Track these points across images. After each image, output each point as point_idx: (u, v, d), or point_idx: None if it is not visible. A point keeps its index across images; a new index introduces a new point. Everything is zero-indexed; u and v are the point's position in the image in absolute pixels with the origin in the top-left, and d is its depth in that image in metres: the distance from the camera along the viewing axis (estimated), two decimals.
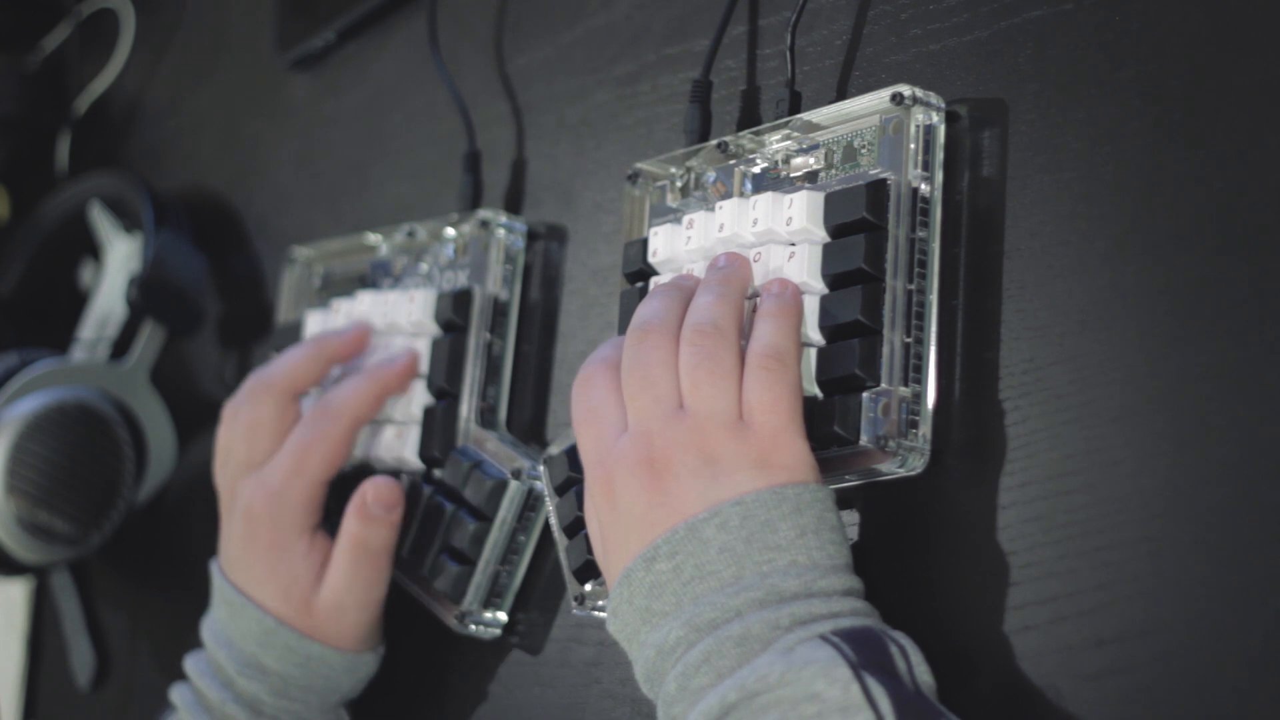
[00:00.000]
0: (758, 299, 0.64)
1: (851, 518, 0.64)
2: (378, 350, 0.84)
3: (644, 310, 0.63)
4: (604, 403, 0.62)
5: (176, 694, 0.82)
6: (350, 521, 0.79)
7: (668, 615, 0.58)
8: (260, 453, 0.81)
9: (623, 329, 0.69)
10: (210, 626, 0.82)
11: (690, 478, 0.59)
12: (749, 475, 0.58)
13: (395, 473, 0.82)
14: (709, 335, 0.60)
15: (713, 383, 0.59)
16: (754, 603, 0.56)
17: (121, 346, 1.08)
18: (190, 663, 0.82)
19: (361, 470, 0.83)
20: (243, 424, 0.82)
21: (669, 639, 0.57)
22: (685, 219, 0.68)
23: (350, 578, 0.78)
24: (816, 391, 0.62)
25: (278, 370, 0.82)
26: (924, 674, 0.55)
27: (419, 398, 0.81)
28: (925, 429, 0.60)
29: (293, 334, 0.91)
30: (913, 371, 0.60)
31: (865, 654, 0.54)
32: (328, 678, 0.80)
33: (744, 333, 0.62)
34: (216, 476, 0.84)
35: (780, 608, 0.56)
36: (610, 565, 0.61)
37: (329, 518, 0.81)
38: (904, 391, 0.60)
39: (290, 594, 0.79)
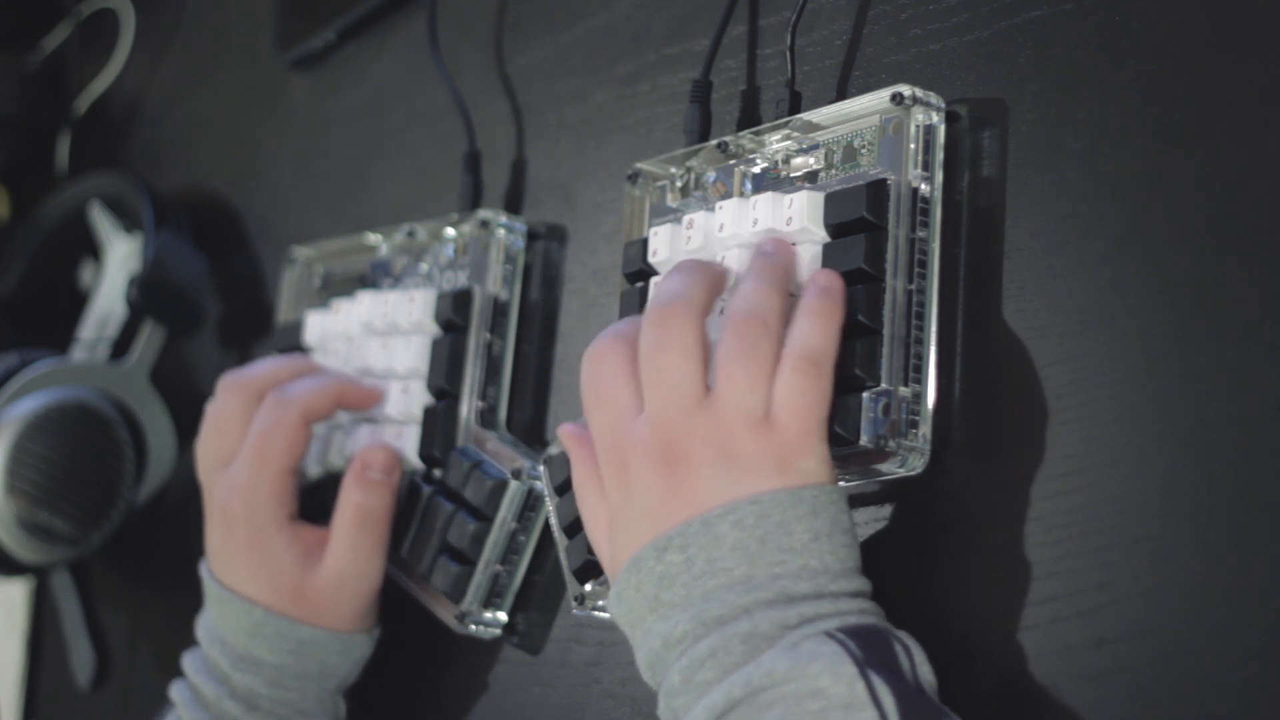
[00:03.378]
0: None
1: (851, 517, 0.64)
2: (370, 350, 0.84)
3: (665, 288, 0.61)
4: (617, 382, 0.61)
5: (175, 691, 0.82)
6: (350, 490, 0.79)
7: (676, 607, 0.58)
8: (228, 449, 0.81)
9: None
10: (204, 625, 0.82)
11: (708, 471, 0.58)
12: (768, 476, 0.58)
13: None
14: (756, 327, 0.59)
15: (749, 377, 0.58)
16: (763, 602, 0.56)
17: (121, 346, 1.08)
18: (187, 660, 0.82)
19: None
20: (213, 421, 0.82)
21: (675, 631, 0.57)
22: (685, 219, 0.68)
23: (354, 547, 0.79)
24: None
25: (250, 371, 0.83)
26: (926, 673, 0.55)
27: (419, 397, 0.82)
28: (925, 429, 0.60)
29: (293, 334, 0.91)
30: (913, 371, 0.60)
31: (870, 651, 0.54)
32: (322, 662, 0.80)
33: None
34: (199, 476, 0.84)
35: (789, 608, 0.56)
36: (617, 550, 0.61)
37: (320, 516, 0.81)
38: (904, 391, 0.60)
39: (278, 584, 0.79)
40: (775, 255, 0.63)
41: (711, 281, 0.62)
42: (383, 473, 0.79)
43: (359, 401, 0.83)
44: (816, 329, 0.59)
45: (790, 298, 0.62)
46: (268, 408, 0.80)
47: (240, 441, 0.81)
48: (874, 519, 0.63)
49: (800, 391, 0.58)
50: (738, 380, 0.58)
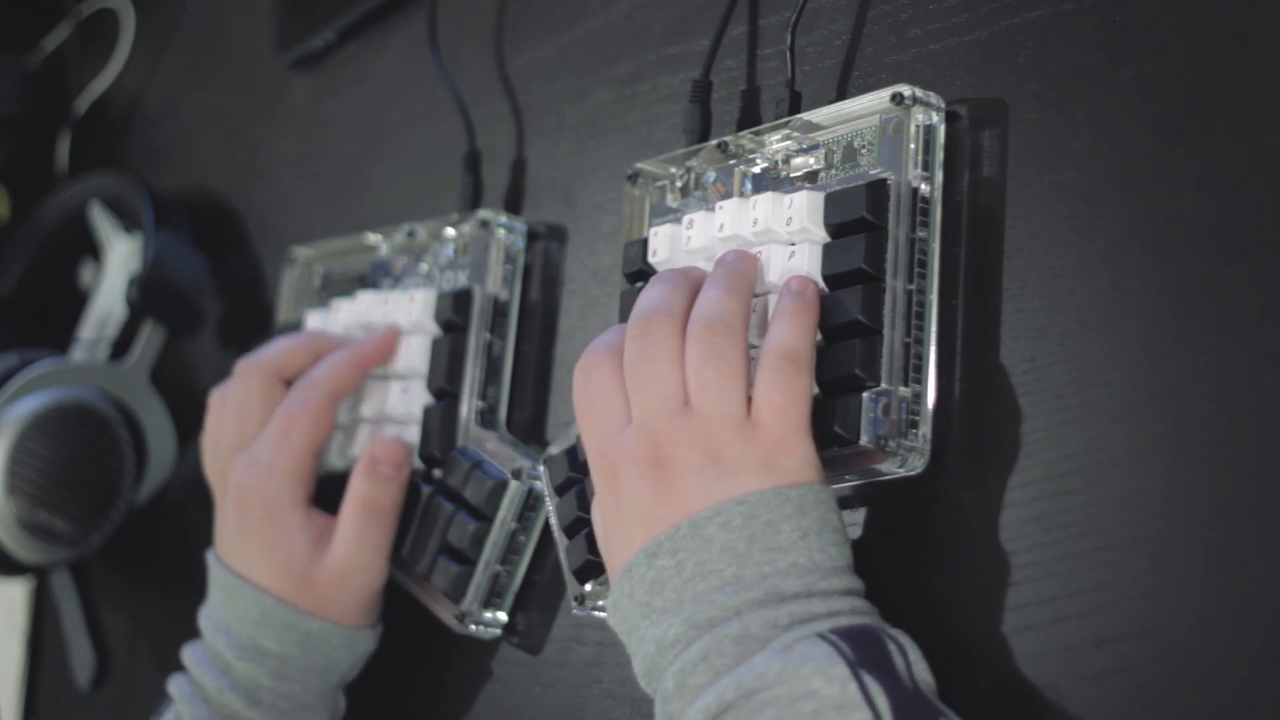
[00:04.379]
0: (768, 295, 0.64)
1: (851, 518, 0.64)
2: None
3: (647, 298, 0.62)
4: (607, 393, 0.62)
5: (174, 685, 0.82)
6: (359, 482, 0.79)
7: (668, 611, 0.58)
8: (249, 432, 0.82)
9: None
10: (208, 615, 0.82)
11: (695, 476, 0.59)
12: (754, 476, 0.58)
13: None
14: (718, 332, 0.60)
15: (720, 382, 0.59)
16: (753, 602, 0.56)
17: (121, 346, 1.08)
18: (187, 653, 0.82)
19: None
20: (231, 406, 0.83)
21: (668, 635, 0.57)
22: (685, 219, 0.68)
23: (358, 539, 0.79)
24: (816, 391, 0.62)
25: (265, 353, 0.83)
26: (922, 672, 0.55)
27: (419, 397, 0.82)
28: (925, 429, 0.60)
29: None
30: (913, 371, 0.60)
31: (863, 652, 0.54)
32: (327, 655, 0.80)
33: (755, 328, 0.62)
34: (206, 466, 0.85)
35: (779, 607, 0.56)
36: (612, 558, 0.61)
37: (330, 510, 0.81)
38: (904, 391, 0.60)
39: (288, 568, 0.79)
40: (735, 263, 0.64)
41: (692, 289, 0.63)
42: (392, 467, 0.79)
43: (380, 357, 0.83)
44: (791, 329, 0.60)
45: (757, 298, 0.63)
46: (296, 391, 0.81)
47: (258, 423, 0.81)
48: (874, 519, 0.63)
49: (779, 390, 0.59)
50: (709, 385, 0.59)
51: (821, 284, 0.62)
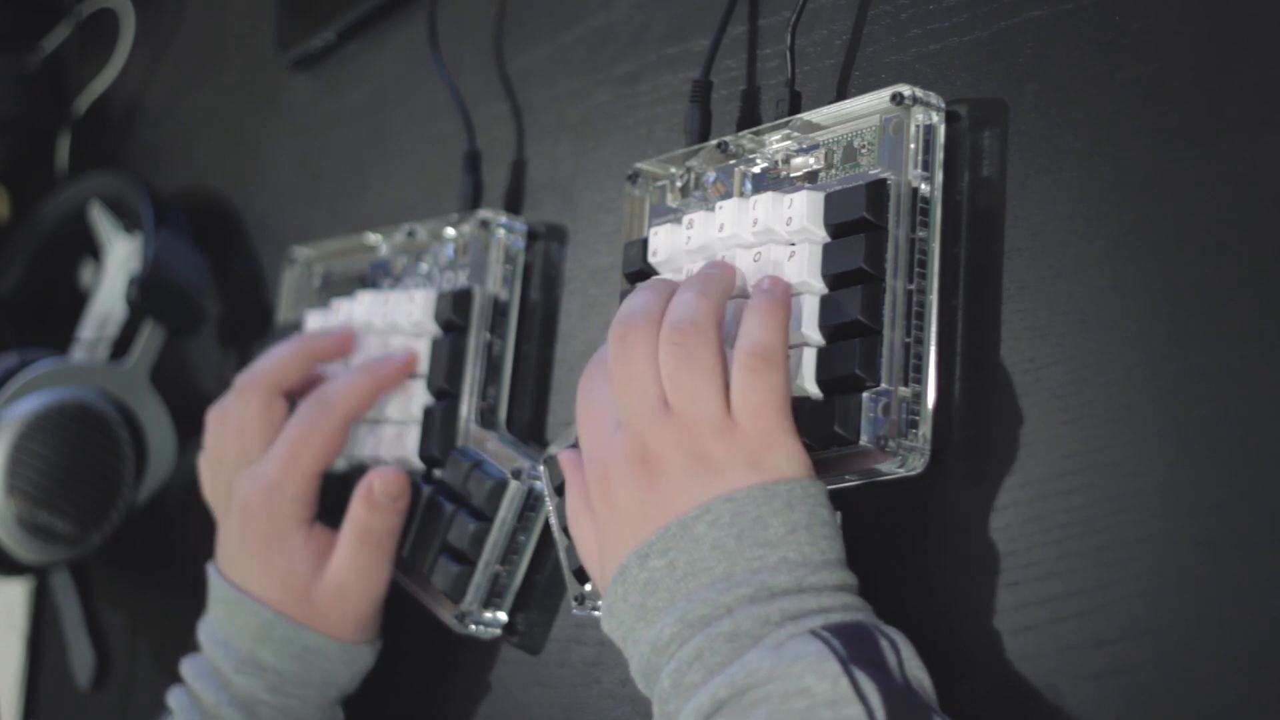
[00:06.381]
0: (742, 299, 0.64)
1: (852, 518, 0.64)
2: (370, 349, 0.84)
3: (626, 306, 0.63)
4: (600, 399, 0.63)
5: (172, 698, 0.82)
6: (356, 509, 0.79)
7: (661, 611, 0.58)
8: (252, 450, 0.81)
9: None
10: (207, 628, 0.82)
11: (682, 475, 0.59)
12: (741, 473, 0.58)
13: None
14: (687, 333, 0.60)
15: (694, 384, 0.59)
16: (744, 599, 0.56)
17: (121, 346, 1.08)
18: (186, 666, 0.82)
19: (361, 471, 0.83)
20: (232, 424, 0.82)
21: (662, 635, 0.57)
22: (685, 219, 0.68)
23: (354, 562, 0.79)
24: (816, 391, 0.62)
25: (262, 368, 0.83)
26: (914, 668, 0.55)
27: (419, 397, 0.81)
28: (925, 429, 0.60)
29: (292, 334, 0.91)
30: (913, 371, 0.60)
31: (855, 648, 0.54)
32: (326, 670, 0.80)
33: (730, 331, 0.62)
34: (205, 486, 0.85)
35: (770, 603, 0.56)
36: (605, 564, 0.62)
37: (330, 515, 0.81)
38: (904, 391, 0.60)
39: (288, 584, 0.79)
40: (708, 269, 0.64)
41: (670, 297, 0.63)
42: (389, 499, 0.79)
43: (396, 379, 0.82)
44: (761, 324, 0.60)
45: (733, 301, 0.63)
46: (307, 411, 0.80)
47: (262, 440, 0.81)
48: (874, 519, 0.63)
49: (754, 388, 0.59)
50: (684, 388, 0.59)
51: (820, 284, 0.62)
